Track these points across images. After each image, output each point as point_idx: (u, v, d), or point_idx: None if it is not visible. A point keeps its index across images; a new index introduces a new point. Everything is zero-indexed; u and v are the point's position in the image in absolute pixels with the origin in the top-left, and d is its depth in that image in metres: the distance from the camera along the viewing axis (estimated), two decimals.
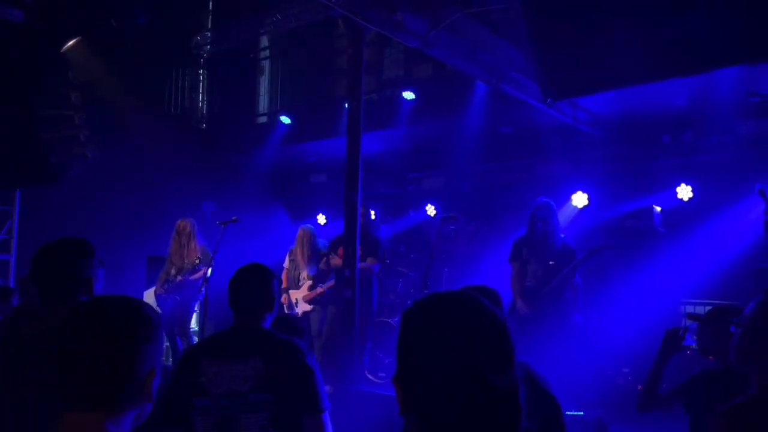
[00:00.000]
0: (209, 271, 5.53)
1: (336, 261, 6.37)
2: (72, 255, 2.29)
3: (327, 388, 2.57)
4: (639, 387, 6.14)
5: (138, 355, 1.32)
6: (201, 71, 10.05)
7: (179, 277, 6.53)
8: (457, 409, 0.98)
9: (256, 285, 2.65)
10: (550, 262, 5.39)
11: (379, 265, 6.41)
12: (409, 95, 7.56)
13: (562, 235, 5.66)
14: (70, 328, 1.33)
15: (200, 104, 10.08)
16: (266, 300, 2.64)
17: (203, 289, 5.52)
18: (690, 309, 6.13)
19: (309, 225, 7.24)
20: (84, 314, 1.35)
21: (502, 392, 0.99)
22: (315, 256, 6.91)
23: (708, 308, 3.37)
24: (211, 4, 10.08)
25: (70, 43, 7.01)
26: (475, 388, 0.98)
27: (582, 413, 5.02)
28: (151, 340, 1.36)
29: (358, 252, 5.37)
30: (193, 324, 7.16)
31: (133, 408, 1.33)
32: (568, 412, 2.94)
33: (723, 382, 2.71)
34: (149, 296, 7.25)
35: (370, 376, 6.62)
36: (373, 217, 6.74)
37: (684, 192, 6.98)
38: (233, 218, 5.69)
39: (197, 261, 6.46)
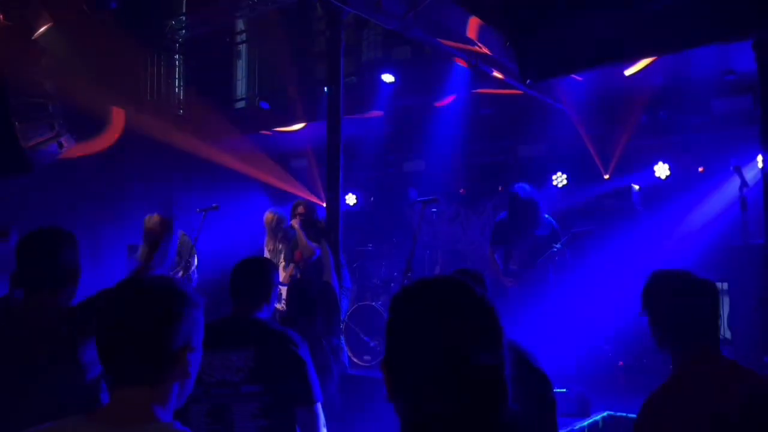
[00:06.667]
0: (195, 261, 5.47)
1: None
2: (57, 244, 2.18)
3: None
4: (620, 363, 6.26)
5: (173, 327, 1.37)
6: (177, 57, 9.88)
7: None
8: (442, 391, 0.98)
9: (256, 275, 2.67)
10: (535, 246, 5.44)
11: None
12: (388, 78, 7.52)
13: (547, 216, 5.72)
14: (109, 306, 1.40)
15: (177, 90, 9.92)
16: (264, 290, 2.66)
17: (190, 278, 5.47)
18: None
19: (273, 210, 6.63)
20: (122, 292, 1.41)
21: (486, 372, 0.99)
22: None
23: None
24: None
25: (42, 29, 6.84)
26: (459, 368, 0.98)
27: (565, 390, 5.10)
28: (187, 314, 1.41)
29: (341, 238, 5.36)
30: None
31: (172, 381, 1.38)
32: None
33: None
34: None
35: (355, 360, 6.66)
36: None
37: (661, 170, 7.07)
38: (213, 205, 5.64)
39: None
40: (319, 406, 2.43)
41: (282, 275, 6.02)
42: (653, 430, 1.91)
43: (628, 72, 6.15)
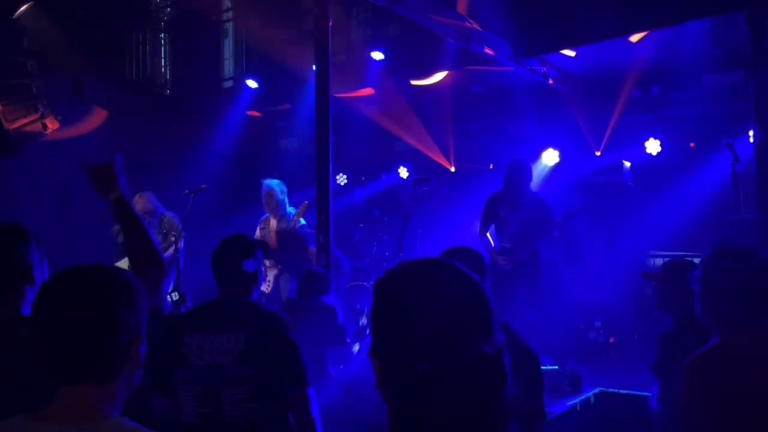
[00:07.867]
0: (182, 243, 5.42)
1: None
2: (7, 241, 1.95)
3: None
4: (612, 340, 6.30)
5: (118, 320, 1.28)
6: (162, 35, 9.72)
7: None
8: (436, 379, 0.94)
9: (241, 257, 2.58)
10: (528, 223, 5.42)
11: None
12: (378, 56, 7.42)
13: (539, 194, 5.72)
14: (45, 300, 1.28)
15: (163, 70, 9.77)
16: (252, 272, 2.59)
17: (176, 259, 5.43)
18: (659, 261, 6.25)
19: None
20: (59, 284, 1.30)
21: (484, 358, 0.94)
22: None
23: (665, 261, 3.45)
24: None
25: (23, 8, 6.69)
26: (454, 355, 0.93)
27: (556, 367, 5.13)
28: (131, 304, 1.31)
29: (332, 218, 5.31)
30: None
31: (121, 376, 1.31)
32: (544, 367, 2.99)
33: (680, 340, 2.78)
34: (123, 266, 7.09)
35: (347, 340, 6.65)
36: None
37: (653, 146, 7.06)
38: (202, 186, 5.58)
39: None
40: (311, 389, 2.40)
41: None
42: (701, 392, 1.93)
43: (633, 38, 6.05)
